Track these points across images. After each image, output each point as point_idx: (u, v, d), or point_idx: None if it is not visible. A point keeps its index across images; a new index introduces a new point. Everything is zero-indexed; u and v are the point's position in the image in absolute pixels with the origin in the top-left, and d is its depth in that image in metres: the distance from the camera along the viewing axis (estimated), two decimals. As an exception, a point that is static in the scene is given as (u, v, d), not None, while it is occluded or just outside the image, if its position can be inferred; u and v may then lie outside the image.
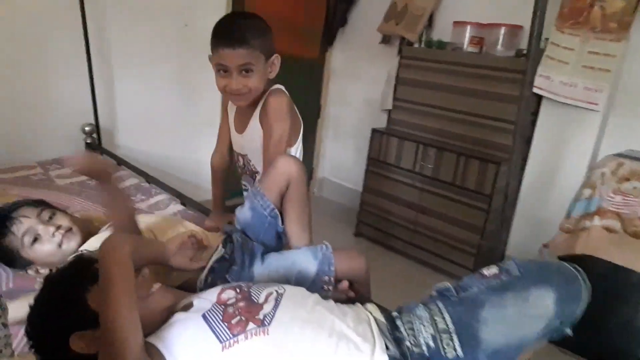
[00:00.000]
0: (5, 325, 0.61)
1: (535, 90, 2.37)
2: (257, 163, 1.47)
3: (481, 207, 2.52)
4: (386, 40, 3.22)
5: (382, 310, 1.01)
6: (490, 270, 0.99)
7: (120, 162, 2.28)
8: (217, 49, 1.27)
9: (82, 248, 1.24)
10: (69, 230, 1.25)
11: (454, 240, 2.68)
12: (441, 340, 0.89)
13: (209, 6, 2.70)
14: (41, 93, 2.21)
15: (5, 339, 0.60)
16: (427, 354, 0.88)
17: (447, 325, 0.91)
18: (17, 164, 2.04)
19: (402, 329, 0.93)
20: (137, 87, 2.54)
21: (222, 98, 1.54)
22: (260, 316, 0.85)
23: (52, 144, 2.30)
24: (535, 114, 2.51)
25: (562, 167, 2.49)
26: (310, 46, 3.53)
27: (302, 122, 1.49)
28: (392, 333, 0.92)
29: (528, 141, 2.54)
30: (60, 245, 1.22)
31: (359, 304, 1.02)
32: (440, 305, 0.96)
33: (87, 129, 2.35)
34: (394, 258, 2.97)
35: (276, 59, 1.38)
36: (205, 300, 0.93)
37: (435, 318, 0.92)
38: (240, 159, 1.53)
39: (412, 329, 0.92)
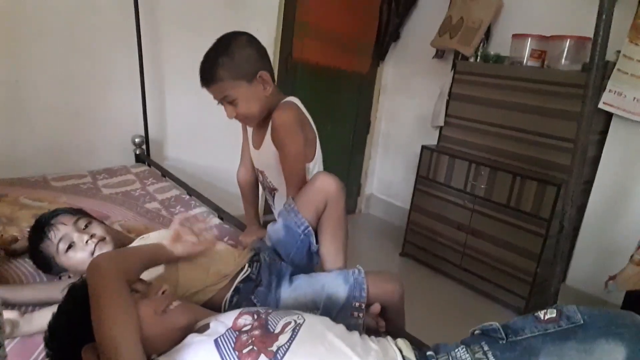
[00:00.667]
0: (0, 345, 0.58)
1: (603, 106, 2.17)
2: (274, 179, 1.44)
3: (538, 232, 2.33)
4: (440, 54, 3.12)
5: (416, 347, 0.91)
6: (547, 314, 0.85)
7: (165, 173, 2.32)
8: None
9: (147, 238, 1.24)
10: (103, 239, 1.25)
11: (507, 266, 2.49)
12: None
13: (261, 19, 2.72)
14: (96, 105, 2.30)
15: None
16: None
17: None
18: (70, 173, 2.12)
19: None
20: (186, 101, 2.59)
21: None
22: (274, 348, 0.79)
23: (104, 154, 2.39)
24: (604, 133, 2.30)
25: (632, 192, 2.25)
26: (362, 61, 3.48)
27: (316, 134, 1.44)
28: None
29: (595, 162, 2.33)
30: (92, 253, 1.22)
31: (389, 338, 0.92)
32: (486, 347, 0.84)
33: (137, 140, 2.42)
34: (441, 281, 2.81)
35: (263, 75, 1.32)
36: (222, 323, 0.88)
37: None
38: (260, 174, 1.51)
39: None
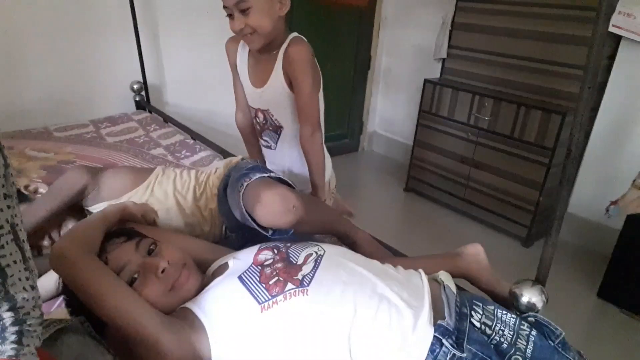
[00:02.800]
0: (32, 287, 0.60)
1: (612, 29, 2.10)
2: (281, 117, 1.40)
3: (542, 161, 2.34)
4: (442, -19, 2.97)
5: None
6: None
7: (167, 119, 2.30)
8: None
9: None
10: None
11: (510, 197, 2.53)
12: (511, 354, 0.77)
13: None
14: (90, 52, 2.24)
15: (33, 301, 0.60)
16: (493, 343, 0.78)
17: (524, 353, 0.77)
18: (72, 123, 2.10)
19: (476, 312, 0.82)
20: (183, 44, 2.52)
21: (227, 54, 1.46)
22: (299, 277, 0.81)
23: (104, 102, 2.36)
24: (611, 58, 2.24)
25: (638, 117, 2.23)
26: (360, -8, 3.33)
27: (320, 72, 1.40)
28: (459, 307, 0.82)
29: (601, 89, 2.29)
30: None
31: (421, 271, 0.91)
32: (534, 334, 0.81)
33: (135, 87, 2.38)
34: (446, 214, 2.87)
35: None
36: (241, 261, 0.90)
37: (519, 340, 0.79)
38: (260, 114, 1.44)
39: (488, 323, 0.81)
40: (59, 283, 1.01)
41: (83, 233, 0.88)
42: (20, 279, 0.59)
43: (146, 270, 0.84)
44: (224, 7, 1.23)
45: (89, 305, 0.78)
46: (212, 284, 0.86)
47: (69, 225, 1.20)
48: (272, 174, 1.10)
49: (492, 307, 0.85)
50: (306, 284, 0.80)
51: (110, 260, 0.85)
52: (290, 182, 1.14)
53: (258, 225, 1.02)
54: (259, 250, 0.91)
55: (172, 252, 0.90)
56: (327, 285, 0.80)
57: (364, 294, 0.79)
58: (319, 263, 0.85)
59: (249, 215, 1.02)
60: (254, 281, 0.82)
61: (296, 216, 0.97)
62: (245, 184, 1.03)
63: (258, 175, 1.06)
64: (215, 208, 1.20)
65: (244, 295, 0.80)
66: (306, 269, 0.84)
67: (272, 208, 0.97)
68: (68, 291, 0.85)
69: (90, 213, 1.16)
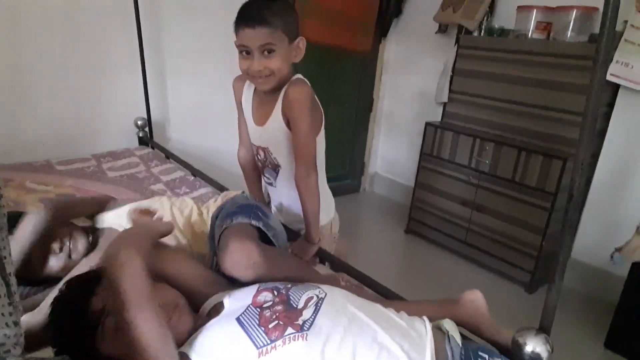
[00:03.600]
0: (15, 323, 0.58)
1: (610, 78, 2.14)
2: (279, 155, 1.41)
3: (544, 206, 2.32)
4: (443, 29, 3.06)
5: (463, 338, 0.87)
6: None
7: (168, 155, 2.31)
8: (238, 29, 1.23)
9: (104, 221, 1.25)
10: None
11: (513, 241, 2.50)
12: None
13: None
14: (97, 88, 2.29)
15: (15, 338, 0.58)
16: None
17: None
18: (75, 157, 2.12)
19: None
20: (189, 82, 2.57)
21: (234, 92, 1.49)
22: (300, 322, 0.79)
23: (107, 137, 2.39)
24: (610, 105, 2.27)
25: (639, 164, 2.23)
26: (363, 38, 3.43)
27: (323, 112, 1.42)
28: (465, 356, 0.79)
29: (601, 135, 2.31)
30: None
31: (425, 319, 0.89)
32: None
33: (139, 122, 2.41)
34: (447, 257, 2.83)
35: (301, 42, 1.30)
36: (238, 301, 0.87)
37: None
38: (261, 152, 1.46)
39: None
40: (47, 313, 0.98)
41: (145, 243, 0.88)
42: (3, 314, 0.57)
43: None
44: (241, 45, 1.23)
45: (116, 307, 0.75)
46: (209, 324, 0.83)
47: (79, 235, 1.20)
48: (253, 222, 1.11)
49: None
50: (306, 329, 0.77)
51: (101, 302, 0.81)
52: (270, 234, 1.15)
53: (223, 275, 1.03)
54: (258, 291, 0.88)
55: (165, 293, 0.88)
56: (326, 331, 0.77)
57: (364, 343, 0.76)
58: (320, 307, 0.83)
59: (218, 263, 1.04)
60: (252, 324, 0.79)
61: (255, 273, 0.99)
62: (224, 225, 1.06)
63: (240, 219, 1.09)
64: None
65: (241, 338, 0.77)
66: (307, 313, 0.81)
67: (233, 261, 0.99)
68: (55, 328, 0.82)
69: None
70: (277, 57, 1.23)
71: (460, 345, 0.81)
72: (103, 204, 1.33)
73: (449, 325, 0.87)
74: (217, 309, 0.89)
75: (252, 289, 0.90)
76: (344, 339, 0.76)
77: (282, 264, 1.12)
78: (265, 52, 1.22)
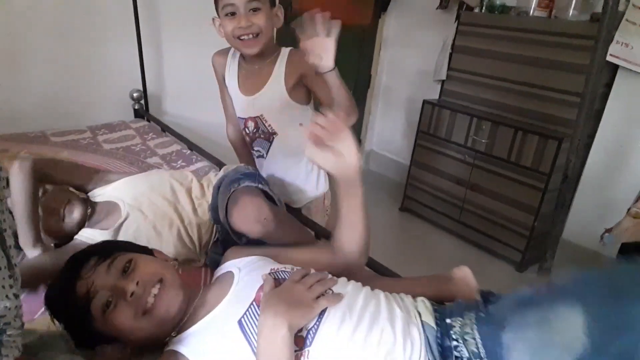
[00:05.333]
0: (16, 295, 0.59)
1: (609, 58, 2.13)
2: (275, 121, 1.41)
3: (537, 186, 2.34)
4: (444, 5, 3.01)
5: (437, 310, 0.84)
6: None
7: (165, 128, 2.30)
8: None
9: (103, 194, 1.25)
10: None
11: (505, 220, 2.53)
12: None
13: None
14: (92, 60, 2.25)
15: (16, 310, 0.58)
16: None
17: (477, 348, 0.72)
18: (69, 128, 2.10)
19: (454, 338, 0.75)
20: (184, 54, 2.53)
21: (214, 68, 1.49)
22: (303, 333, 0.74)
23: (103, 109, 2.36)
24: (608, 86, 2.26)
25: (634, 146, 2.25)
26: (362, 12, 3.37)
27: None
28: (442, 341, 0.76)
29: (598, 116, 2.31)
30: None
31: (411, 298, 0.86)
32: (473, 319, 0.75)
33: (135, 95, 2.39)
34: (441, 236, 2.86)
35: (279, 11, 1.32)
36: (243, 293, 0.82)
37: (466, 337, 0.74)
38: (251, 122, 1.44)
39: (464, 338, 0.74)
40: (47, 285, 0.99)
41: None
42: (3, 287, 0.57)
43: (117, 295, 0.77)
44: (227, 4, 1.23)
45: None
46: (208, 325, 0.79)
47: (77, 202, 1.19)
48: (260, 185, 1.13)
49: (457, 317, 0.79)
50: (309, 344, 0.73)
51: (85, 286, 0.78)
52: (276, 198, 1.17)
53: (232, 230, 1.06)
54: (261, 288, 0.82)
55: (147, 268, 0.82)
56: (330, 345, 0.74)
57: (369, 350, 0.73)
58: (323, 313, 0.77)
59: (227, 219, 1.06)
60: (254, 330, 0.75)
61: (265, 228, 1.01)
62: (232, 189, 1.08)
63: (247, 182, 1.11)
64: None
65: (240, 344, 0.74)
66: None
67: (244, 214, 1.02)
68: (54, 301, 0.82)
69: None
70: (263, 15, 1.25)
71: (435, 328, 0.78)
72: (93, 173, 1.32)
73: (422, 308, 0.83)
74: (227, 279, 0.87)
75: (259, 278, 0.83)
76: (348, 347, 0.73)
77: (286, 225, 1.15)
78: (251, 11, 1.24)
